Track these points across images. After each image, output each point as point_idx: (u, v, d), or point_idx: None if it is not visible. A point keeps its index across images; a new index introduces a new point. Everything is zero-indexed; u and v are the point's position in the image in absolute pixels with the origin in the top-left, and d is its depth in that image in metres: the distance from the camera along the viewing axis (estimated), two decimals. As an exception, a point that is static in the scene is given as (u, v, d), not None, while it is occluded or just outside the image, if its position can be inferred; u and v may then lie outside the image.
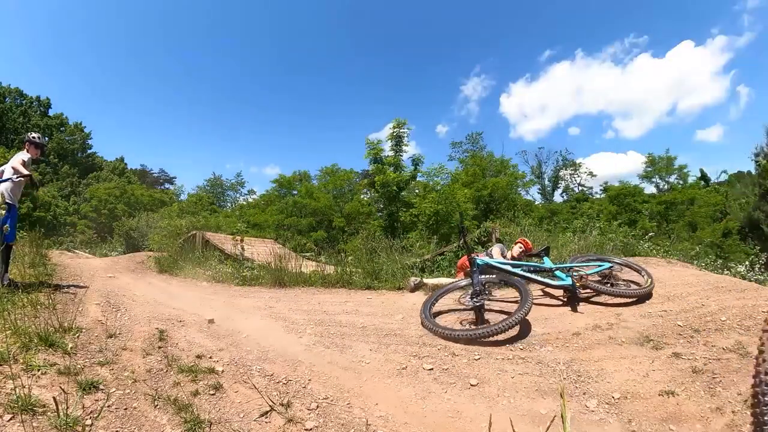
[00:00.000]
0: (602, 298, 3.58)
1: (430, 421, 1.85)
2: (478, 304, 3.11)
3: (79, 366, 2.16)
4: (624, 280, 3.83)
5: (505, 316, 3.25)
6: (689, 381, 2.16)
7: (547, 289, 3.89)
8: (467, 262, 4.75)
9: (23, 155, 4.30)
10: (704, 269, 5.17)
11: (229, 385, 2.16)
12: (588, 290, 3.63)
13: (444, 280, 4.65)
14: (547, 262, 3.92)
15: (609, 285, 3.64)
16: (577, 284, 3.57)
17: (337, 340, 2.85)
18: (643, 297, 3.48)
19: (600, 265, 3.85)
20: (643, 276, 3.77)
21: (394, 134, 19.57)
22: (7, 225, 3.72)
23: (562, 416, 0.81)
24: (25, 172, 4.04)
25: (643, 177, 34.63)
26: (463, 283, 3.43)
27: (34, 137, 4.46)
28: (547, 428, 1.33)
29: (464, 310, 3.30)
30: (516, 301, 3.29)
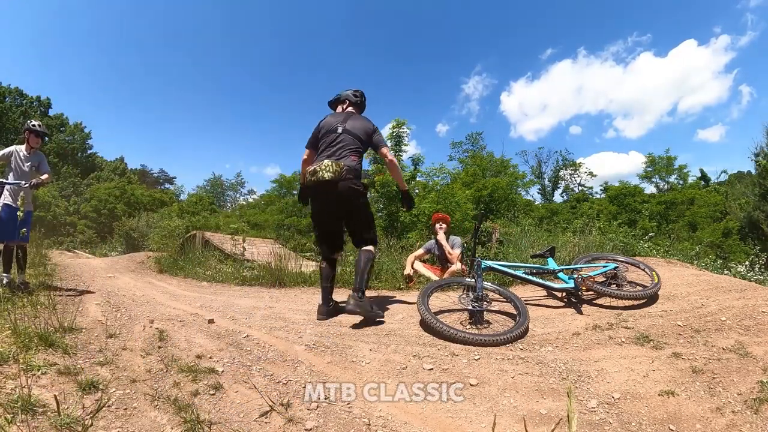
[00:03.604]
0: (604, 299, 3.55)
1: (431, 421, 1.85)
2: (480, 309, 3.11)
3: (79, 366, 2.16)
4: (630, 281, 3.75)
5: (503, 317, 3.26)
6: (689, 381, 2.16)
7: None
8: (460, 265, 4.76)
9: (22, 149, 4.25)
10: (704, 269, 5.17)
11: (229, 385, 2.17)
12: (591, 292, 3.56)
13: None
14: (552, 263, 3.87)
15: (615, 286, 3.56)
16: (582, 288, 3.51)
17: (337, 340, 2.84)
18: (651, 298, 3.41)
19: (605, 266, 3.79)
20: (649, 275, 3.70)
21: (394, 134, 19.57)
22: (25, 229, 3.72)
23: (568, 416, 0.81)
24: (44, 178, 4.23)
25: (643, 177, 34.66)
26: (468, 281, 3.40)
27: (33, 125, 4.29)
28: (553, 429, 1.33)
29: (461, 310, 3.28)
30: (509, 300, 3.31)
